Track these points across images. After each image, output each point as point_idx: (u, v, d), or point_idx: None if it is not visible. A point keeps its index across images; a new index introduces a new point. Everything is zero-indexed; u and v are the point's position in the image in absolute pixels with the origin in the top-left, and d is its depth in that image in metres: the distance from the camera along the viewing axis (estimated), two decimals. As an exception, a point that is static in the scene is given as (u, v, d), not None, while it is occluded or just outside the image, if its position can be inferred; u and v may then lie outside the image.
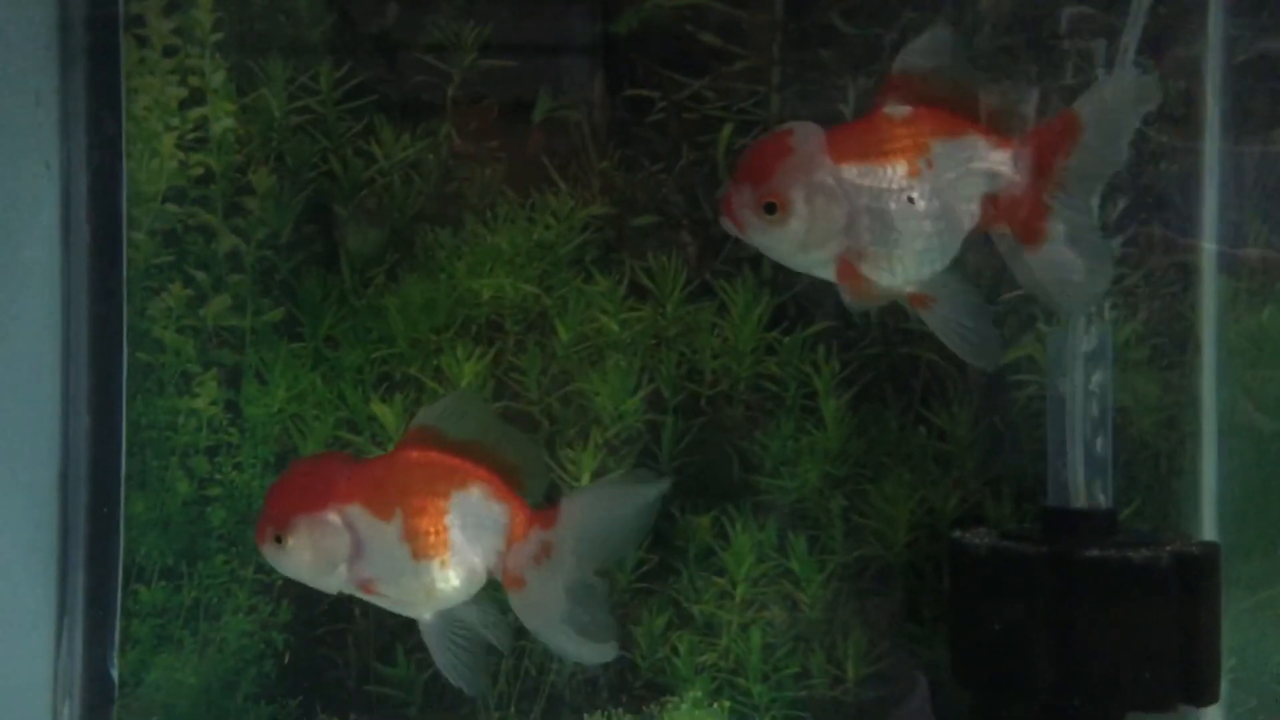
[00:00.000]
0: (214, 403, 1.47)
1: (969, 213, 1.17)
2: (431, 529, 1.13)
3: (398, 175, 1.48)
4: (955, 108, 1.17)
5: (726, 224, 1.17)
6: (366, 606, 1.46)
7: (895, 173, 1.16)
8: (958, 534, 1.34)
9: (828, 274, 1.20)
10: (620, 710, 1.47)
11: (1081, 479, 1.31)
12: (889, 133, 1.16)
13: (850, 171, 1.16)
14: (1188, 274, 1.48)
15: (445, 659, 1.17)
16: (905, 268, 1.17)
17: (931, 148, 1.16)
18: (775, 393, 1.48)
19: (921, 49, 1.16)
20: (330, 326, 1.47)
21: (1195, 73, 1.47)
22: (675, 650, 1.47)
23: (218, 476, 1.47)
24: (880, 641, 1.47)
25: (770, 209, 1.15)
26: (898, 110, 1.17)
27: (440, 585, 1.14)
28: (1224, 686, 1.34)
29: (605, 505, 1.17)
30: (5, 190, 1.38)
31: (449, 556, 1.14)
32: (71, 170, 1.45)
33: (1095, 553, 1.24)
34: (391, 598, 1.16)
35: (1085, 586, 1.23)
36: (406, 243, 1.48)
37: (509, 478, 1.16)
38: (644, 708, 1.47)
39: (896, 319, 1.48)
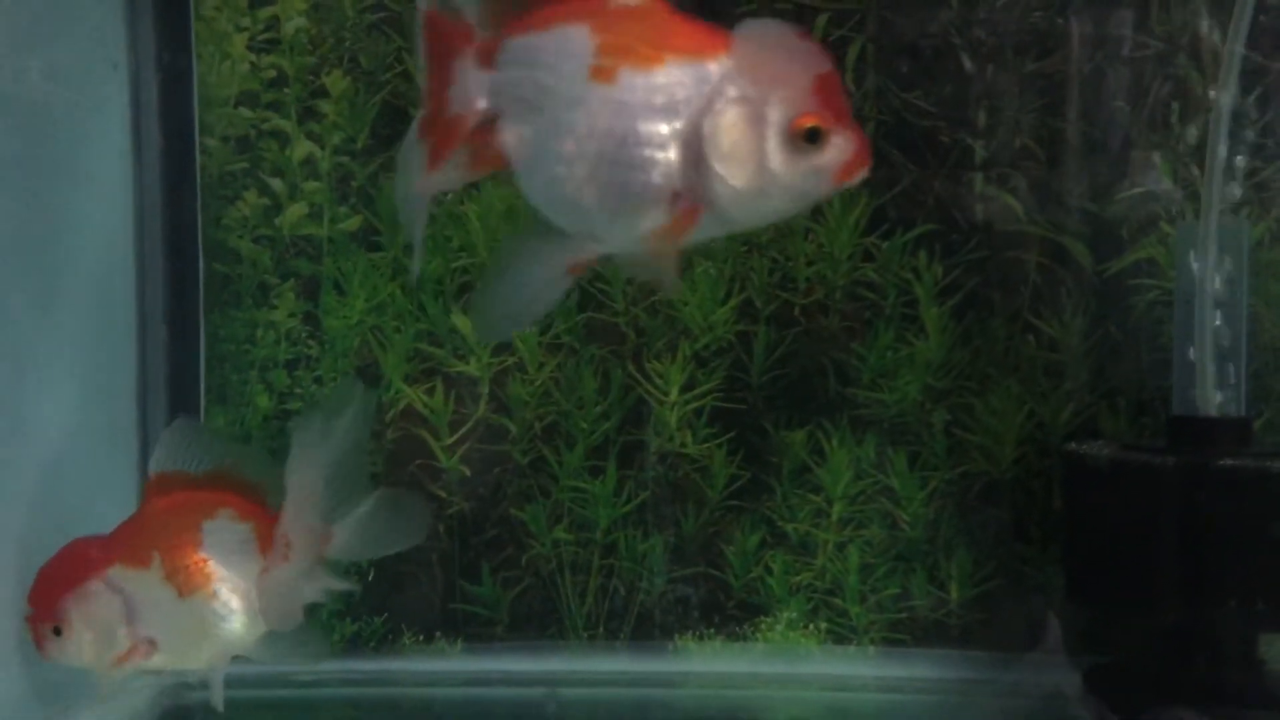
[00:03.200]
0: (292, 314, 1.45)
1: None
2: (189, 562, 1.11)
3: (476, 75, 1.42)
4: None
5: None
6: (450, 523, 1.43)
7: None
8: (1072, 446, 1.27)
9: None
10: (712, 631, 1.44)
11: (1210, 388, 1.23)
12: None
13: None
14: (1329, 166, 1.39)
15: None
16: None
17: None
18: (873, 301, 1.42)
19: None
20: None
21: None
22: (769, 570, 1.43)
23: (298, 390, 1.45)
24: (986, 562, 1.42)
25: None
26: None
27: (215, 622, 1.11)
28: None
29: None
30: (73, 90, 1.35)
31: (215, 587, 1.11)
32: (140, 72, 1.43)
33: (1230, 462, 1.16)
34: (176, 652, 1.12)
35: (1218, 498, 1.17)
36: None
37: (254, 496, 1.13)
38: (737, 629, 1.44)
39: (1004, 221, 1.39)
